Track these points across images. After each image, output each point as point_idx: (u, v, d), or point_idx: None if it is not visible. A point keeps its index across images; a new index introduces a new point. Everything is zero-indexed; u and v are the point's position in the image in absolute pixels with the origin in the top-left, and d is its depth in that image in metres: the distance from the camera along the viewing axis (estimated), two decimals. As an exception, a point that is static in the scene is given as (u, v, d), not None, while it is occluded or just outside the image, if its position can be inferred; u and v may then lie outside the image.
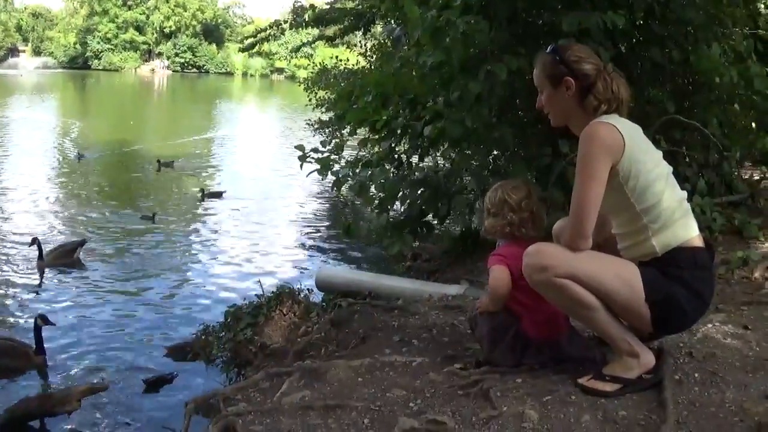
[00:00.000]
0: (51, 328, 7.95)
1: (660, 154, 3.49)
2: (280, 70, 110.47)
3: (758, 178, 8.63)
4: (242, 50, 20.31)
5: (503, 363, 3.71)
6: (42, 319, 7.86)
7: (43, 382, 7.48)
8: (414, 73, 8.00)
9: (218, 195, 17.55)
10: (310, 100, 22.59)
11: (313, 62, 25.06)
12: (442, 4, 6.75)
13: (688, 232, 3.37)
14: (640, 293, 3.28)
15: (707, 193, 7.21)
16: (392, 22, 11.04)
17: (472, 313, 4.04)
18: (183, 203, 17.48)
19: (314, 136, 21.48)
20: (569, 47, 3.60)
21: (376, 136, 8.42)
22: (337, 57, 21.90)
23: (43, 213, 15.25)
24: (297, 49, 33.94)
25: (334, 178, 7.80)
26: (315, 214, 16.53)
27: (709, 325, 4.24)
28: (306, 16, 16.50)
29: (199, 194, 17.35)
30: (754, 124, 8.30)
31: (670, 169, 3.48)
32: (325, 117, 21.31)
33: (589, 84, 3.43)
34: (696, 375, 3.48)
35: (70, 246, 11.56)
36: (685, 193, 3.48)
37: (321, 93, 21.83)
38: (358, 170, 7.83)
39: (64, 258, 11.27)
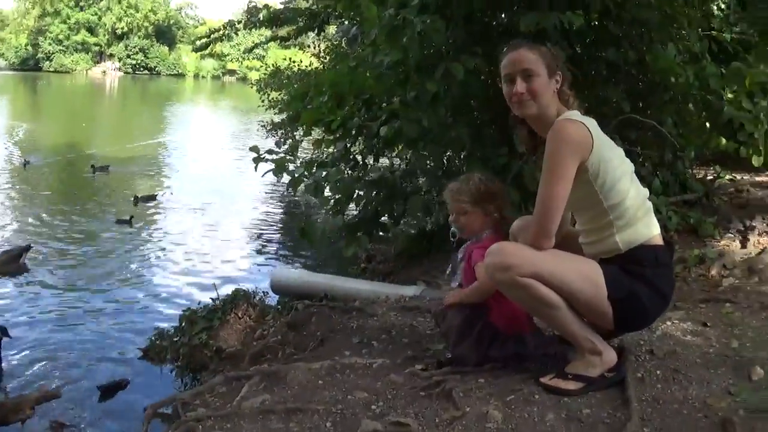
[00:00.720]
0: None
1: (622, 151, 3.49)
2: (232, 72, 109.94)
3: (712, 177, 8.70)
4: (195, 50, 20.15)
5: (469, 356, 3.70)
6: (1, 332, 7.70)
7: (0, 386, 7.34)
8: (369, 73, 7.94)
9: (152, 198, 17.10)
10: (262, 101, 22.46)
11: (265, 64, 24.94)
12: (399, 3, 6.71)
13: (651, 230, 3.37)
14: (603, 291, 3.27)
15: (662, 192, 7.28)
16: (347, 21, 10.99)
17: (438, 308, 4.01)
18: (131, 207, 17.25)
19: (267, 138, 21.37)
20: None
21: (331, 137, 8.37)
22: (290, 59, 21.74)
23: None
24: (250, 50, 33.80)
25: (289, 179, 7.74)
26: (269, 217, 16.43)
27: (669, 323, 4.26)
28: (260, 16, 16.37)
29: (132, 199, 16.76)
30: (708, 124, 8.36)
31: (633, 167, 3.48)
32: (277, 119, 21.19)
33: (566, 82, 3.49)
34: (658, 372, 3.49)
35: (16, 251, 11.33)
36: (647, 191, 3.49)
37: (274, 94, 21.68)
38: (313, 170, 7.76)
39: (9, 264, 11.05)
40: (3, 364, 7.65)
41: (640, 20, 7.29)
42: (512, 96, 3.46)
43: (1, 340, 7.66)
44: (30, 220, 14.77)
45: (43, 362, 7.91)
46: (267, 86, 22.55)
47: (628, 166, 3.45)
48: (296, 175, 7.56)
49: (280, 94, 20.98)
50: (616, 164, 3.35)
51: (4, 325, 7.90)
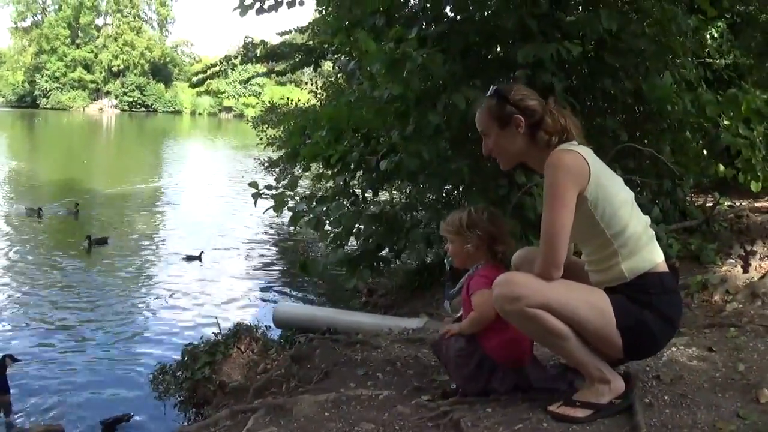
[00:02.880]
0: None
1: (621, 180, 3.49)
2: (229, 109, 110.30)
3: (711, 204, 8.73)
4: (192, 86, 20.09)
5: (469, 388, 3.69)
6: (9, 359, 7.72)
7: (7, 420, 7.34)
8: (365, 109, 7.97)
9: (104, 241, 16.25)
10: (261, 139, 22.41)
11: (262, 101, 24.98)
12: (397, 37, 6.75)
13: (655, 256, 3.37)
14: (611, 320, 3.26)
15: (662, 219, 7.31)
16: (344, 57, 11.05)
17: (435, 338, 4.00)
18: (139, 241, 17.24)
19: (265, 176, 21.35)
20: (511, 88, 3.59)
21: (330, 172, 8.40)
22: (288, 98, 21.74)
23: None
24: (246, 81, 33.91)
25: (289, 214, 7.74)
26: (269, 252, 16.44)
27: (674, 349, 4.25)
28: (257, 52, 16.42)
29: (86, 242, 15.93)
30: (705, 151, 8.41)
31: (632, 195, 3.48)
32: (275, 156, 21.17)
33: (537, 119, 3.44)
34: (665, 398, 3.47)
35: None
36: (648, 219, 3.49)
37: (271, 131, 21.65)
38: (313, 205, 7.78)
39: None
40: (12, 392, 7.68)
41: (635, 50, 7.35)
42: None
43: (7, 368, 7.64)
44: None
45: (47, 396, 7.91)
46: (263, 123, 22.53)
47: (628, 194, 3.45)
48: (297, 210, 7.58)
49: (277, 131, 20.95)
50: (615, 191, 3.35)
51: (12, 354, 7.92)
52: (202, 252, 15.23)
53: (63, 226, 18.82)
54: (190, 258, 15.02)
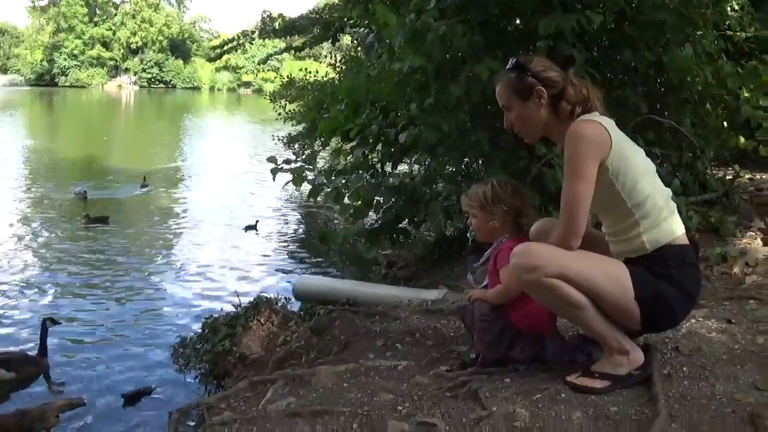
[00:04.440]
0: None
1: (642, 151, 3.48)
2: (248, 84, 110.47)
3: (731, 176, 8.67)
4: (210, 60, 20.19)
5: (490, 354, 3.71)
6: (50, 321, 7.97)
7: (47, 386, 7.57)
8: (384, 82, 7.95)
9: (104, 220, 15.84)
10: (279, 114, 22.33)
11: (280, 75, 24.80)
12: (416, 9, 6.72)
13: (676, 229, 3.36)
14: (629, 291, 3.26)
15: (682, 192, 7.27)
16: (363, 30, 11.00)
17: (462, 302, 4.01)
18: (153, 216, 17.30)
19: (285, 150, 21.31)
20: (531, 59, 3.57)
21: (349, 145, 8.39)
22: (306, 69, 21.55)
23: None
24: (264, 61, 33.76)
25: (308, 187, 7.74)
26: (287, 225, 16.43)
27: (693, 321, 4.25)
28: (276, 25, 16.39)
29: (84, 219, 15.68)
30: (725, 123, 8.36)
31: (654, 166, 3.47)
32: (294, 131, 21.11)
33: (560, 90, 3.43)
34: (684, 369, 3.48)
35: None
36: (669, 191, 3.48)
37: (291, 106, 21.55)
38: (332, 178, 7.79)
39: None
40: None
41: (655, 22, 7.29)
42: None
43: (47, 330, 7.90)
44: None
45: (67, 370, 7.96)
46: (281, 97, 22.41)
47: (650, 165, 3.44)
48: (316, 184, 7.58)
49: (297, 106, 20.87)
50: (636, 162, 3.34)
51: (52, 316, 8.24)
52: (258, 221, 15.50)
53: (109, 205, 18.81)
54: (248, 228, 15.31)
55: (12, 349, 8.15)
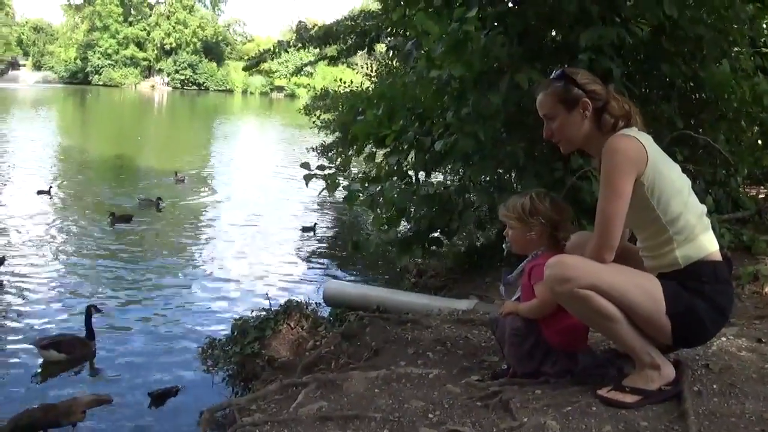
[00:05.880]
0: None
1: (678, 167, 3.49)
2: (280, 89, 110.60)
3: (764, 195, 8.64)
4: (245, 69, 20.22)
5: (521, 367, 3.71)
6: (94, 308, 8.49)
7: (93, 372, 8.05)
8: (419, 89, 7.95)
9: (128, 219, 15.97)
10: (314, 122, 22.22)
11: (314, 82, 24.71)
12: (457, 18, 6.73)
13: (710, 245, 3.37)
14: (661, 305, 3.27)
15: (714, 209, 7.24)
16: (400, 38, 11.01)
17: (493, 315, 4.02)
18: (187, 217, 17.42)
19: (318, 159, 21.30)
20: (577, 71, 3.60)
21: (382, 152, 8.41)
22: (340, 79, 21.34)
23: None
24: (299, 71, 33.57)
25: (344, 194, 7.76)
26: (319, 232, 16.50)
27: (723, 339, 4.24)
28: (312, 33, 16.45)
29: (109, 218, 15.83)
30: (760, 141, 8.33)
31: (689, 182, 3.48)
32: (328, 140, 21.09)
33: (603, 103, 3.46)
34: (714, 386, 3.48)
35: None
36: (704, 207, 3.48)
37: (325, 116, 21.47)
38: (366, 185, 7.81)
39: None
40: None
41: (693, 37, 7.27)
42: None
43: (92, 315, 8.42)
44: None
45: (96, 367, 8.06)
46: (315, 108, 22.21)
47: (685, 181, 3.44)
48: (351, 190, 7.60)
49: (330, 115, 20.80)
50: (672, 178, 3.35)
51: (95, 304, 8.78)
52: (316, 223, 16.03)
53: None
54: (305, 229, 15.88)
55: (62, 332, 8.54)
